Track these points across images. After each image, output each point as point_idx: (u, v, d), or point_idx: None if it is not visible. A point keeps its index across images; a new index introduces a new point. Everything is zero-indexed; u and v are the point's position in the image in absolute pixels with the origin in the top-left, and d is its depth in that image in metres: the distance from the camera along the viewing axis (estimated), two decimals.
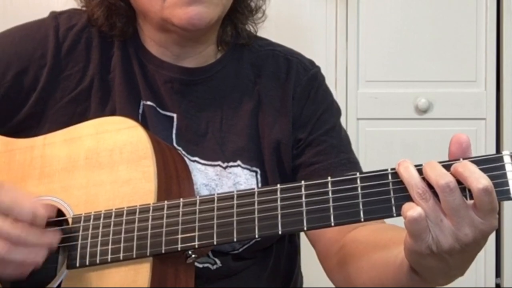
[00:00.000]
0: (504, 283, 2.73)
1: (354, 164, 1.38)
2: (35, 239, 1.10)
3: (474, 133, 2.68)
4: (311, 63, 1.46)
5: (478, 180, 0.95)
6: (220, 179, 1.32)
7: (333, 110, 1.44)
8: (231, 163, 1.33)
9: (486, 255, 2.70)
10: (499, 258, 2.74)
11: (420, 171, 0.99)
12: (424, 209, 0.97)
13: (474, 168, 0.96)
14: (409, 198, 0.99)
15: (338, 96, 2.66)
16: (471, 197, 0.96)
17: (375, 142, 2.71)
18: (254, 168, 1.34)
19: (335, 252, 1.31)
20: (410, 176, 0.99)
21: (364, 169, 1.37)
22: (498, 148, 2.71)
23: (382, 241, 1.19)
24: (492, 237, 2.70)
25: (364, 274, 1.21)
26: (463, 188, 0.97)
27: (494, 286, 2.73)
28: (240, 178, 1.33)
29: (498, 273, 2.75)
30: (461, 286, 2.53)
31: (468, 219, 0.97)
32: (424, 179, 0.98)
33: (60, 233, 1.15)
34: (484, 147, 2.68)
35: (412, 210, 0.97)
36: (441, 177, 0.96)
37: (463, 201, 0.96)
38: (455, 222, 0.97)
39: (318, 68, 1.46)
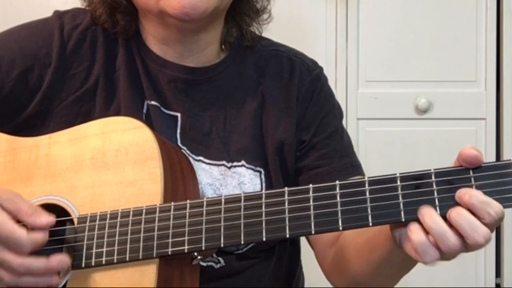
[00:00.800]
0: (504, 283, 2.73)
1: (356, 168, 1.39)
2: (40, 268, 1.09)
3: (474, 133, 2.68)
4: (314, 63, 1.47)
5: (492, 212, 0.97)
6: (224, 178, 1.32)
7: (336, 112, 1.45)
8: (235, 163, 1.34)
9: (486, 255, 2.70)
10: (499, 258, 2.75)
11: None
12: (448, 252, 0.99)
13: (483, 198, 0.98)
14: (418, 203, 1.00)
15: (338, 96, 2.64)
16: None
17: (375, 142, 2.71)
18: (258, 168, 1.35)
19: (332, 253, 1.34)
20: (439, 227, 0.99)
21: (364, 169, 1.38)
22: (498, 148, 2.71)
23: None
24: (492, 237, 2.69)
25: (352, 259, 1.24)
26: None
27: (494, 286, 2.73)
28: (245, 178, 1.33)
29: (498, 273, 2.75)
30: (461, 286, 2.54)
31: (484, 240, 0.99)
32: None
33: (68, 258, 1.13)
34: (484, 147, 2.68)
35: (428, 256, 0.99)
36: (479, 237, 0.98)
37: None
38: (473, 248, 1.00)
39: (321, 68, 1.46)
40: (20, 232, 1.08)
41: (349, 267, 1.27)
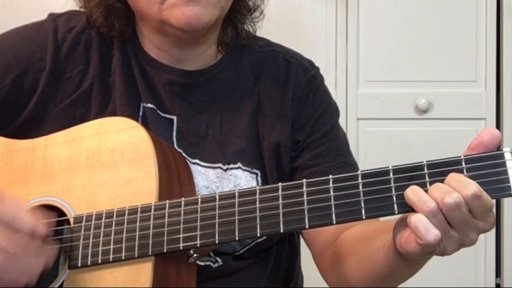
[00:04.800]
0: (504, 283, 2.73)
1: (351, 167, 1.38)
2: (33, 252, 1.08)
3: (474, 133, 2.68)
4: (310, 63, 1.46)
5: (466, 187, 0.97)
6: (221, 181, 1.32)
7: (332, 111, 1.44)
8: (231, 165, 1.33)
9: (486, 255, 2.70)
10: (499, 258, 2.75)
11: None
12: (434, 224, 0.98)
13: (459, 177, 0.98)
14: None
15: (338, 96, 2.66)
16: None
17: (375, 142, 2.71)
18: (255, 170, 1.34)
19: (329, 254, 1.33)
20: (417, 195, 0.99)
21: (364, 169, 1.38)
22: (498, 148, 2.70)
23: (367, 234, 1.22)
24: (492, 237, 2.70)
25: (353, 269, 1.24)
26: None
27: (494, 286, 2.73)
28: (241, 180, 1.32)
29: (498, 273, 2.75)
30: (461, 286, 2.54)
31: (473, 226, 0.99)
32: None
33: (57, 246, 1.14)
34: None
35: (429, 233, 0.97)
36: (447, 195, 0.97)
37: (468, 212, 0.98)
38: (462, 231, 0.99)
39: (317, 69, 1.46)
40: (23, 213, 1.08)
41: (347, 275, 1.26)
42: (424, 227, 0.97)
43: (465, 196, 0.96)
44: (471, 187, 0.96)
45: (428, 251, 1.00)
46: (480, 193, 0.96)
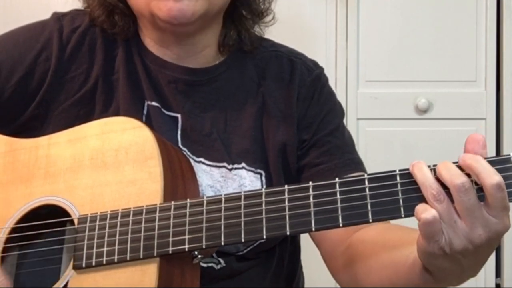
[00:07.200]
0: (504, 283, 2.73)
1: (358, 165, 1.38)
2: None
3: (474, 133, 2.67)
4: (315, 64, 1.46)
5: (491, 176, 0.96)
6: (225, 180, 1.32)
7: (337, 110, 1.45)
8: (236, 165, 1.33)
9: None
10: (499, 258, 2.75)
11: (433, 171, 0.99)
12: (438, 210, 0.97)
13: (486, 164, 0.97)
14: (417, 199, 1.00)
15: (338, 96, 2.64)
16: (482, 198, 0.97)
17: (375, 142, 2.71)
18: (259, 170, 1.34)
19: (341, 252, 1.32)
20: (424, 177, 0.99)
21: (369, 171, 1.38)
22: (498, 148, 2.71)
23: (391, 241, 1.20)
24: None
25: (373, 274, 1.22)
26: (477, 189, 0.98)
27: (494, 286, 2.73)
28: (245, 180, 1.32)
29: (498, 273, 2.75)
30: (461, 286, 2.53)
31: (482, 220, 0.97)
32: (437, 180, 0.99)
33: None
34: None
35: (426, 212, 0.97)
36: (456, 177, 0.97)
37: (477, 201, 0.97)
38: (469, 223, 0.98)
39: (321, 68, 1.46)
40: None
41: (365, 277, 1.24)
42: (423, 207, 0.98)
43: (489, 185, 0.96)
44: (496, 176, 0.96)
45: (429, 234, 0.98)
46: (503, 185, 0.96)
